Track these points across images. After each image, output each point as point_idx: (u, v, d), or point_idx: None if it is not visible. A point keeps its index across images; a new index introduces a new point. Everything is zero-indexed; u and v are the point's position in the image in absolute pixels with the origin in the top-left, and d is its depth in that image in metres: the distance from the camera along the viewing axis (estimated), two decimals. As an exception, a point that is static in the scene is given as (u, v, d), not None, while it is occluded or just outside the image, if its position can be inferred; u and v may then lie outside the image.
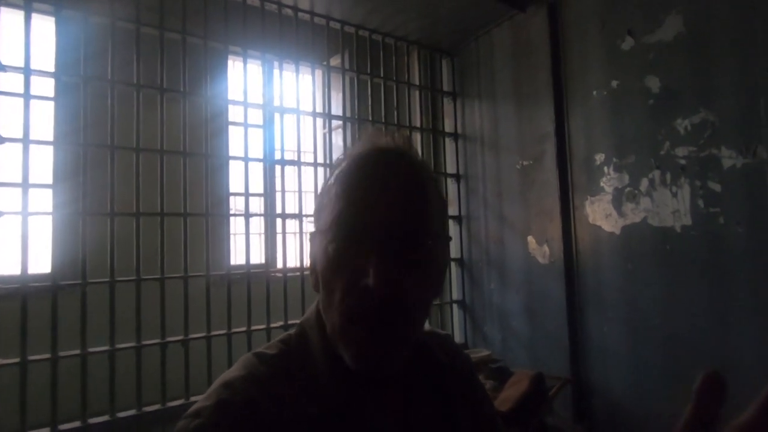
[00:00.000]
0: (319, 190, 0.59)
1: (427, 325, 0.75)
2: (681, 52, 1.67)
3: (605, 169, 1.93)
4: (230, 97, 2.13)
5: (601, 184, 1.95)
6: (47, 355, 1.60)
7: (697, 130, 1.62)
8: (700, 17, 1.61)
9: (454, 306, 2.70)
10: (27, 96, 1.64)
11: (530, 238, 2.26)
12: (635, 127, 1.82)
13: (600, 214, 1.95)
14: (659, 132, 1.73)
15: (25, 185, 1.61)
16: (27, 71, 1.64)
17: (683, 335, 1.65)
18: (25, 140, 1.62)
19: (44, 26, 2.01)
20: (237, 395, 0.48)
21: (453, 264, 2.71)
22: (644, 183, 1.79)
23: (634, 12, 1.82)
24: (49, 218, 2.17)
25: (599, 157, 1.96)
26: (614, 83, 1.90)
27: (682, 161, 1.66)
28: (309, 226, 2.19)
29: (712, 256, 1.58)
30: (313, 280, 0.56)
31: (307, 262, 2.17)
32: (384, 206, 0.49)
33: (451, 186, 2.74)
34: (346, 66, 2.43)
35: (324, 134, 2.48)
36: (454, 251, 2.71)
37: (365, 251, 0.47)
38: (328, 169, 2.21)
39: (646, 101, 1.78)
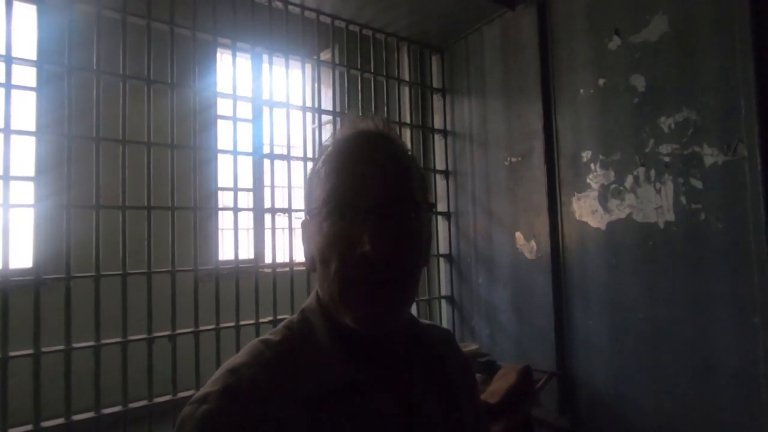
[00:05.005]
0: (307, 178, 0.62)
1: (427, 320, 0.78)
2: (666, 52, 1.71)
3: (592, 166, 1.97)
4: (219, 89, 2.10)
5: (588, 180, 1.98)
6: (29, 351, 1.57)
7: (680, 128, 1.66)
8: (684, 18, 1.65)
9: (443, 301, 2.72)
10: (8, 85, 1.60)
11: (518, 234, 2.29)
12: (621, 125, 1.86)
13: (586, 210, 1.99)
14: (644, 130, 1.77)
15: (6, 177, 1.57)
16: (8, 59, 1.59)
17: (665, 328, 1.69)
18: (6, 130, 1.58)
19: (26, 13, 1.96)
20: (243, 381, 0.49)
21: (442, 259, 2.73)
22: (629, 180, 1.83)
23: (621, 12, 1.85)
24: (30, 211, 2.11)
25: (586, 154, 2.00)
26: (601, 82, 1.93)
27: (666, 158, 1.70)
28: (299, 220, 2.18)
29: (693, 251, 1.63)
30: (308, 262, 0.59)
31: (296, 258, 2.16)
32: (372, 180, 0.52)
33: (440, 182, 2.75)
34: (336, 60, 2.42)
35: (313, 129, 2.47)
36: (443, 247, 2.73)
37: (358, 223, 0.50)
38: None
39: (632, 100, 1.81)
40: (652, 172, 1.75)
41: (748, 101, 1.48)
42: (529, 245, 2.23)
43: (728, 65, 1.53)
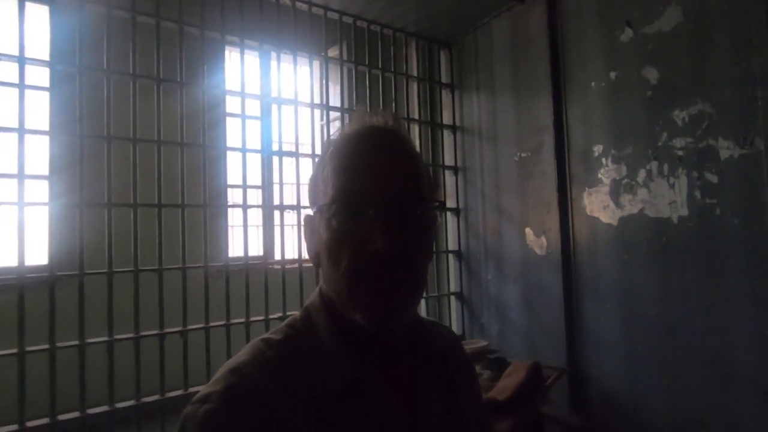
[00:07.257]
0: (313, 172, 0.61)
1: (431, 318, 0.78)
2: (679, 43, 1.67)
3: (603, 160, 1.94)
4: (227, 87, 2.11)
5: (599, 175, 1.95)
6: (45, 346, 1.60)
7: (694, 121, 1.62)
8: (698, 7, 1.61)
9: (452, 298, 2.71)
10: (22, 86, 1.62)
11: (528, 230, 2.27)
12: (633, 119, 1.83)
13: (598, 206, 1.96)
14: (657, 123, 1.74)
15: (20, 176, 1.60)
16: (21, 60, 1.62)
17: (678, 325, 1.67)
18: (21, 130, 1.60)
19: (39, 14, 1.99)
20: (245, 380, 0.49)
21: (451, 256, 2.72)
22: (642, 174, 1.80)
23: (633, 3, 1.82)
24: (46, 209, 2.16)
25: (597, 149, 1.97)
26: (612, 74, 1.90)
27: (680, 152, 1.67)
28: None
29: (707, 247, 1.59)
30: (313, 256, 0.58)
31: (305, 254, 2.16)
32: (382, 177, 0.52)
33: (449, 178, 2.74)
34: (344, 57, 2.42)
35: (322, 125, 2.47)
36: (452, 243, 2.72)
37: (368, 219, 0.50)
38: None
39: (644, 92, 1.78)
40: (666, 167, 1.71)
41: (765, 92, 1.44)
42: (539, 241, 2.21)
43: (745, 55, 1.49)
